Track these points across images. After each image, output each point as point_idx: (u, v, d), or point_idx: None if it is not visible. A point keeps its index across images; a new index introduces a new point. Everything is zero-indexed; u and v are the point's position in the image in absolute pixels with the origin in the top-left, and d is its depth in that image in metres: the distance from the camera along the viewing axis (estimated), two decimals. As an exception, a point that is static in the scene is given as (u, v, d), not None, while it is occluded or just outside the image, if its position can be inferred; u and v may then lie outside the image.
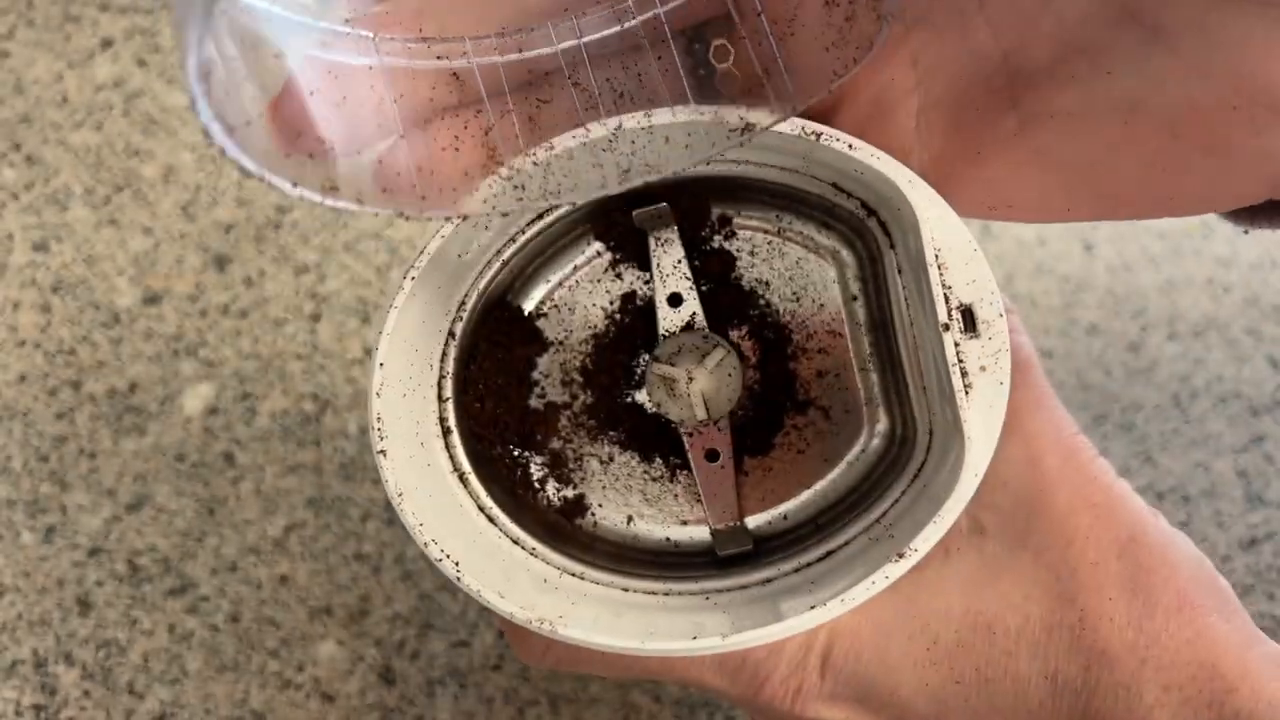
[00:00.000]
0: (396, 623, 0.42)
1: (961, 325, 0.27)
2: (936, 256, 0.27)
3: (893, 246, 0.30)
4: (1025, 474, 0.29)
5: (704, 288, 0.32)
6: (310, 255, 0.48)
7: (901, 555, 0.26)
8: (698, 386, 0.31)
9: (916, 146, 0.29)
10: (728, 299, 0.32)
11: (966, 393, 0.27)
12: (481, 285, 0.32)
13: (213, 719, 0.40)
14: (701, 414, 0.31)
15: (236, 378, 0.46)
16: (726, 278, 0.33)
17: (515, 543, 0.30)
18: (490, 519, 0.31)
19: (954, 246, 0.27)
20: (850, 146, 0.28)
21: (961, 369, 0.27)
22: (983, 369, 0.27)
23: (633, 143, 0.28)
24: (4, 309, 0.47)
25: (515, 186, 0.26)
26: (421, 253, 0.29)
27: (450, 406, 0.31)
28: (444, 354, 0.31)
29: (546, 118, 0.27)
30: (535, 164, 0.27)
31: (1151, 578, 0.28)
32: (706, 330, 0.32)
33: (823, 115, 0.29)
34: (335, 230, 0.49)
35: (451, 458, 0.31)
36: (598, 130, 0.28)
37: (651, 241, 0.32)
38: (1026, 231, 0.49)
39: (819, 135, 0.28)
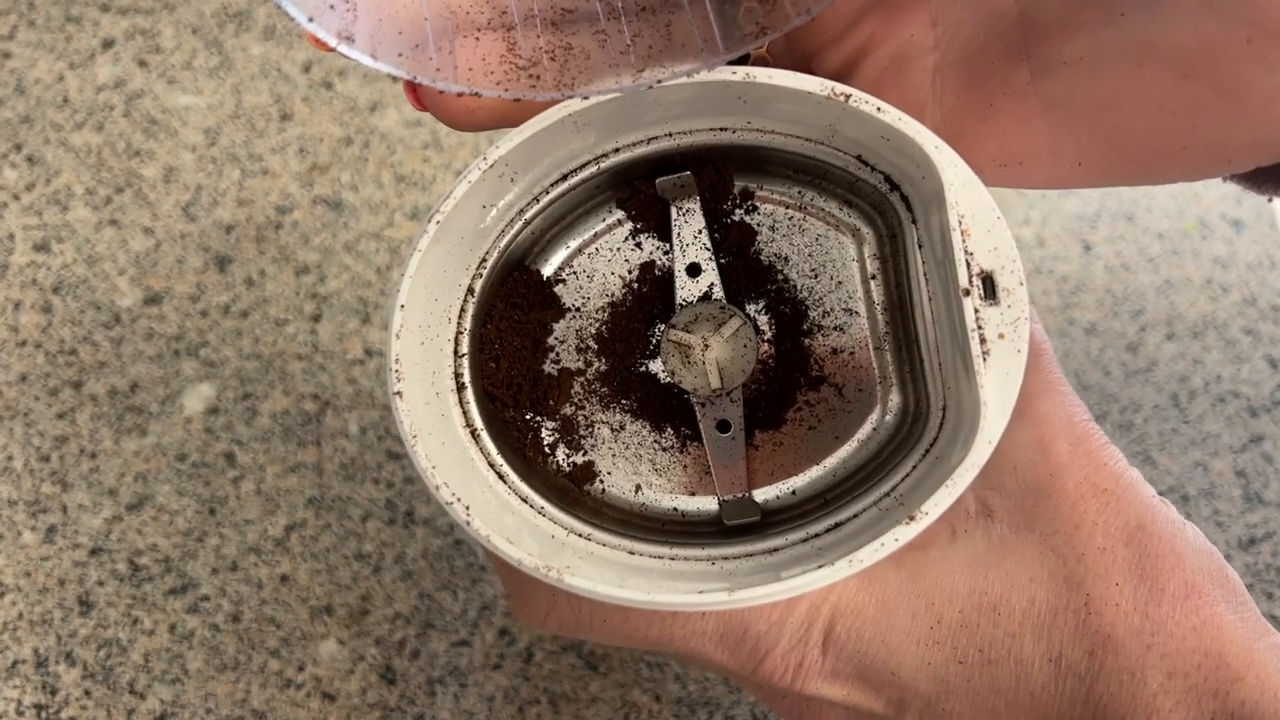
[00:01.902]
0: (397, 622, 0.42)
1: (982, 292, 0.27)
2: (960, 222, 0.27)
3: (914, 221, 0.30)
4: (1035, 458, 0.29)
5: (723, 260, 0.33)
6: (311, 255, 0.48)
7: (913, 518, 0.26)
8: (713, 354, 0.31)
9: (931, 104, 0.29)
10: (746, 272, 0.33)
11: (985, 359, 0.26)
12: (503, 244, 0.32)
13: (214, 718, 0.40)
14: (715, 382, 0.31)
15: (237, 378, 0.46)
16: (746, 251, 0.33)
17: (524, 500, 0.30)
18: (500, 475, 0.31)
19: (977, 213, 0.27)
20: (879, 109, 0.28)
21: (980, 335, 0.26)
22: (1001, 336, 0.27)
23: (649, 47, 0.28)
24: (5, 309, 0.47)
25: (530, 76, 0.26)
26: (447, 197, 0.29)
27: (465, 363, 0.31)
28: (462, 309, 0.31)
29: (569, 29, 0.27)
30: (552, 59, 0.27)
31: (1159, 565, 0.28)
32: (724, 301, 0.32)
33: (843, 72, 0.29)
34: (336, 231, 0.49)
35: (465, 413, 0.31)
36: (617, 34, 0.28)
37: (673, 211, 0.33)
38: (1026, 232, 0.49)
39: (848, 97, 0.28)
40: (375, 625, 0.42)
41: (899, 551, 0.29)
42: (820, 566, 0.26)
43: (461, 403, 0.31)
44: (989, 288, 0.27)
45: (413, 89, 0.29)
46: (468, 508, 0.28)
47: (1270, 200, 0.29)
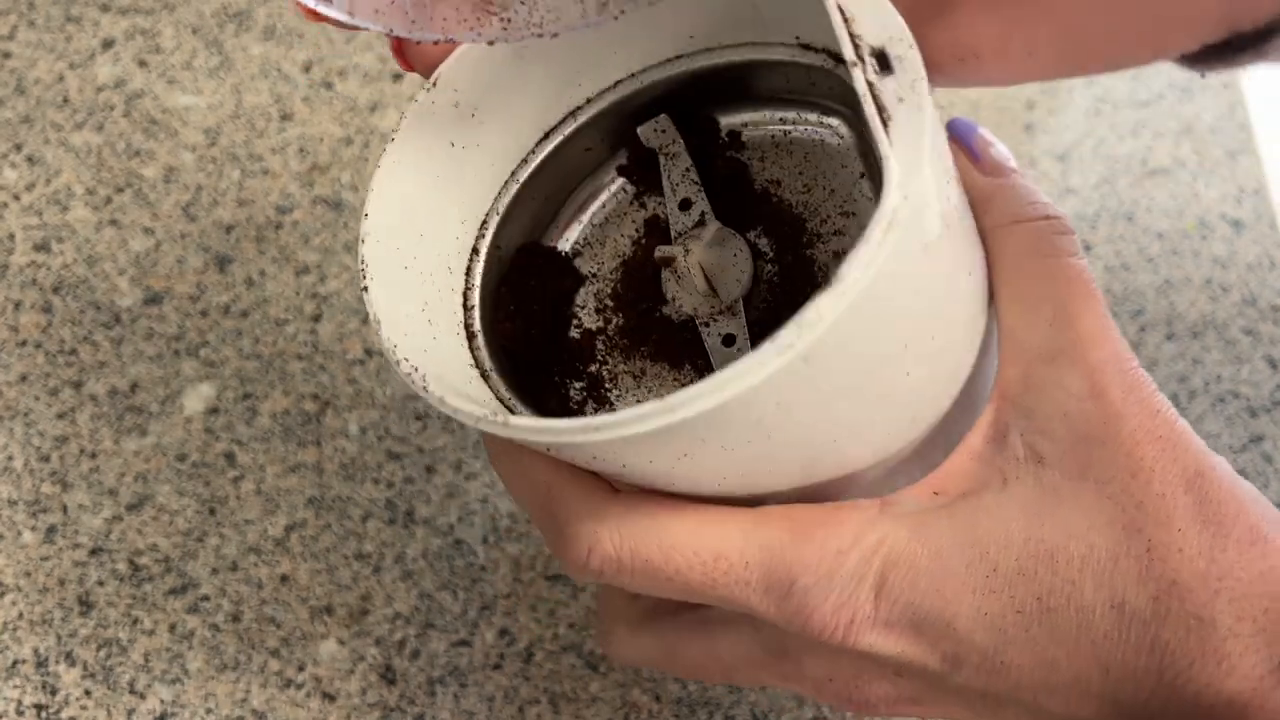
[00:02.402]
0: (397, 622, 0.42)
1: (876, 66, 0.26)
2: (841, 10, 0.27)
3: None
4: (1088, 405, 0.28)
5: (718, 196, 0.33)
6: (311, 255, 0.48)
7: (830, 284, 0.24)
8: (694, 259, 0.31)
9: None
10: (741, 202, 0.33)
11: (885, 124, 0.25)
12: (503, 207, 0.33)
13: (214, 718, 0.40)
14: (703, 287, 0.31)
15: (237, 378, 0.46)
16: (738, 183, 0.33)
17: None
18: (509, 408, 0.31)
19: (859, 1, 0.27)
20: None
21: (879, 103, 0.26)
22: (900, 100, 0.26)
23: None
24: (5, 309, 0.47)
25: (502, 20, 0.27)
26: (401, 117, 0.30)
27: (475, 314, 0.32)
28: (469, 267, 0.32)
29: None
30: (522, 2, 0.28)
31: (1221, 511, 0.27)
32: (717, 223, 0.32)
33: None
34: (336, 231, 0.49)
35: (475, 357, 0.31)
36: None
37: (661, 159, 0.33)
38: (1025, 232, 0.49)
39: None
40: (375, 625, 0.42)
41: (950, 501, 0.28)
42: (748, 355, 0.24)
43: (472, 349, 0.31)
44: (882, 61, 0.26)
45: (399, 49, 0.30)
46: (425, 376, 0.28)
47: (1204, 76, 0.29)
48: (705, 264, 0.31)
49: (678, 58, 0.33)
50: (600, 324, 0.33)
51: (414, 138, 0.31)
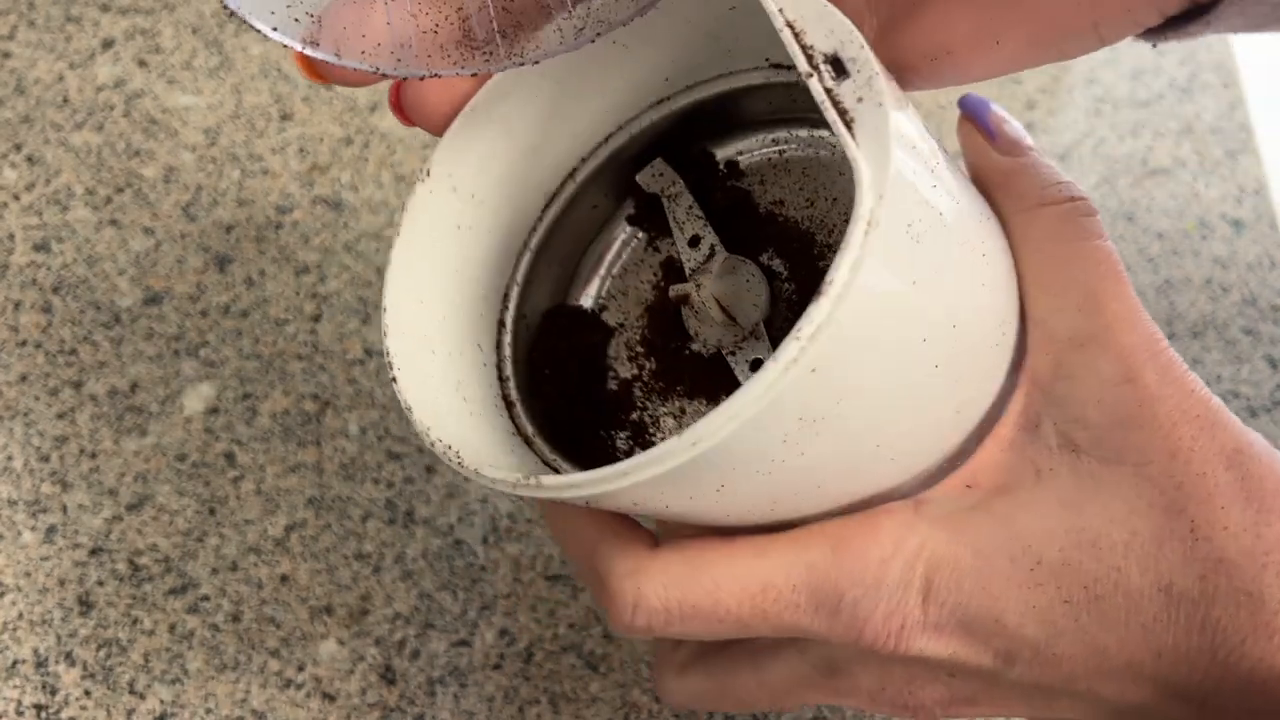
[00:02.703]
0: (397, 622, 0.42)
1: (832, 72, 0.26)
2: (790, 25, 0.27)
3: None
4: (1122, 390, 0.28)
5: (724, 227, 0.33)
6: (311, 255, 0.48)
7: (820, 293, 0.24)
8: (707, 291, 0.31)
9: (868, 15, 0.29)
10: (748, 228, 0.33)
11: (850, 127, 0.25)
12: (521, 276, 0.33)
13: (214, 718, 0.40)
14: (720, 318, 0.31)
15: (237, 378, 0.46)
16: (744, 213, 0.33)
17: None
18: (555, 469, 0.31)
19: (804, 10, 0.27)
20: None
21: (840, 108, 0.26)
22: (860, 100, 0.26)
23: (587, 9, 0.29)
24: (5, 309, 0.47)
25: (483, 54, 0.28)
26: (404, 209, 0.31)
27: (511, 384, 0.32)
28: (498, 341, 0.33)
29: (517, 6, 0.28)
30: (504, 36, 0.28)
31: (1263, 486, 0.27)
32: (725, 254, 0.33)
33: None
34: (336, 231, 0.49)
35: (515, 425, 0.32)
36: (560, 12, 0.29)
37: (665, 201, 0.34)
38: (1025, 232, 0.49)
39: None
40: (375, 625, 0.42)
41: (986, 497, 0.28)
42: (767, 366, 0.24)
43: (513, 417, 0.32)
44: (837, 67, 0.26)
45: (397, 104, 0.30)
46: (459, 452, 0.28)
47: (1154, 46, 0.29)
48: (718, 295, 0.31)
49: (659, 102, 0.33)
50: (635, 371, 0.33)
51: (419, 227, 0.31)
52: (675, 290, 0.32)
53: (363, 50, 0.27)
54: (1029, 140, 0.31)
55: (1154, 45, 0.28)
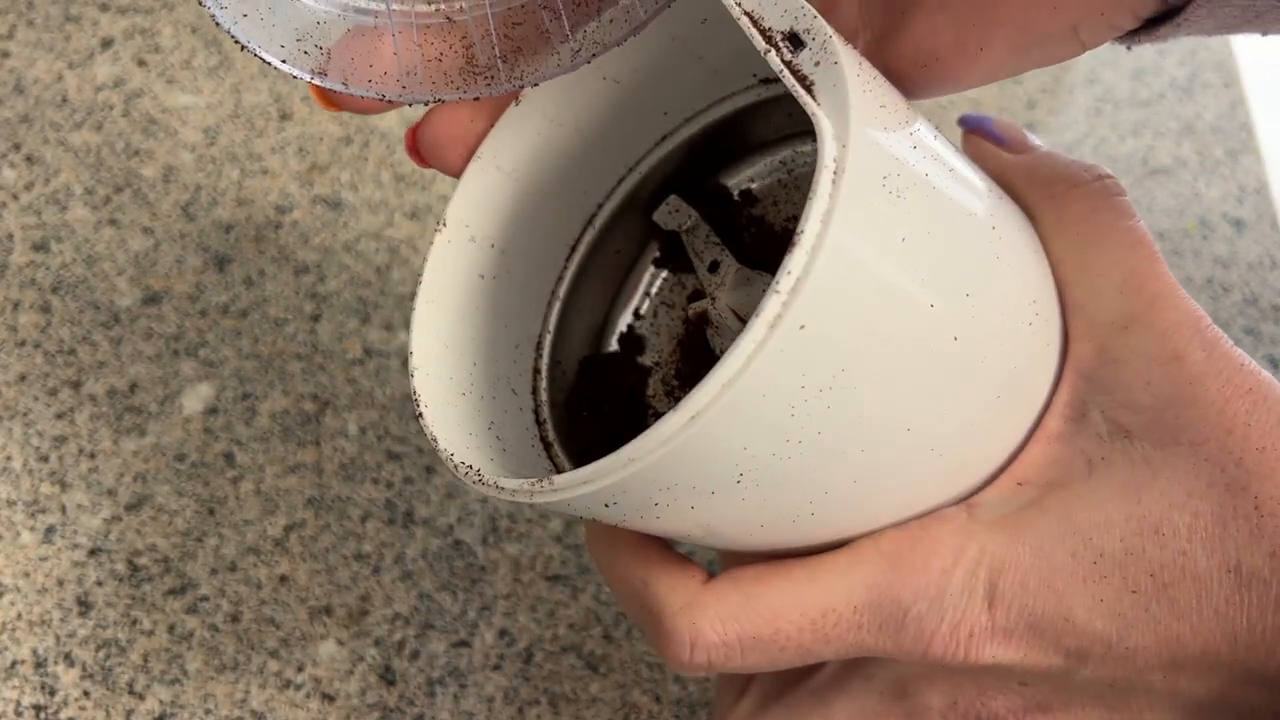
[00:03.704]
0: (396, 623, 0.42)
1: (790, 47, 0.26)
2: (749, 15, 0.27)
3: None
4: (1170, 369, 0.27)
5: (744, 252, 0.33)
6: (310, 255, 0.48)
7: (792, 244, 0.23)
8: (722, 304, 0.31)
9: (862, 29, 0.29)
10: (766, 250, 0.33)
11: (810, 91, 0.25)
12: (553, 324, 0.34)
13: (213, 719, 0.40)
14: (736, 326, 0.31)
15: (236, 378, 0.46)
16: (762, 234, 0.34)
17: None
18: None
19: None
20: None
21: (799, 75, 0.25)
22: (817, 64, 0.26)
23: (584, 32, 0.29)
24: (4, 309, 0.47)
25: (485, 78, 0.28)
26: (425, 260, 0.31)
27: (549, 427, 0.33)
28: (534, 387, 0.33)
29: (518, 33, 0.29)
30: (504, 61, 0.28)
31: None
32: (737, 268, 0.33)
33: None
34: (335, 230, 0.49)
35: (554, 463, 0.32)
36: (554, 22, 0.29)
37: (684, 237, 0.34)
38: (1026, 232, 0.49)
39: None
40: (375, 625, 0.42)
41: (1040, 494, 0.27)
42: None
43: (551, 457, 0.32)
44: (795, 41, 0.26)
45: (414, 148, 0.31)
46: (479, 470, 0.28)
47: (1129, 49, 0.28)
48: (733, 305, 0.31)
49: (664, 138, 0.34)
50: (672, 404, 0.33)
51: (441, 276, 0.31)
52: (693, 309, 0.32)
53: (369, 79, 0.28)
54: (1037, 140, 0.31)
55: (1128, 48, 0.28)
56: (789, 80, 0.25)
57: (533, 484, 0.26)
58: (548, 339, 0.34)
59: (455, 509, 0.44)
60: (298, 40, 0.28)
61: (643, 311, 0.36)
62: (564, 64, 0.28)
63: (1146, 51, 0.55)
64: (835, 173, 0.23)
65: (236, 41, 0.27)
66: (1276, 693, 0.27)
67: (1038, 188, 0.30)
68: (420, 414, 0.29)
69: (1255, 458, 0.26)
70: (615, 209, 0.34)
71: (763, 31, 0.26)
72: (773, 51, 0.26)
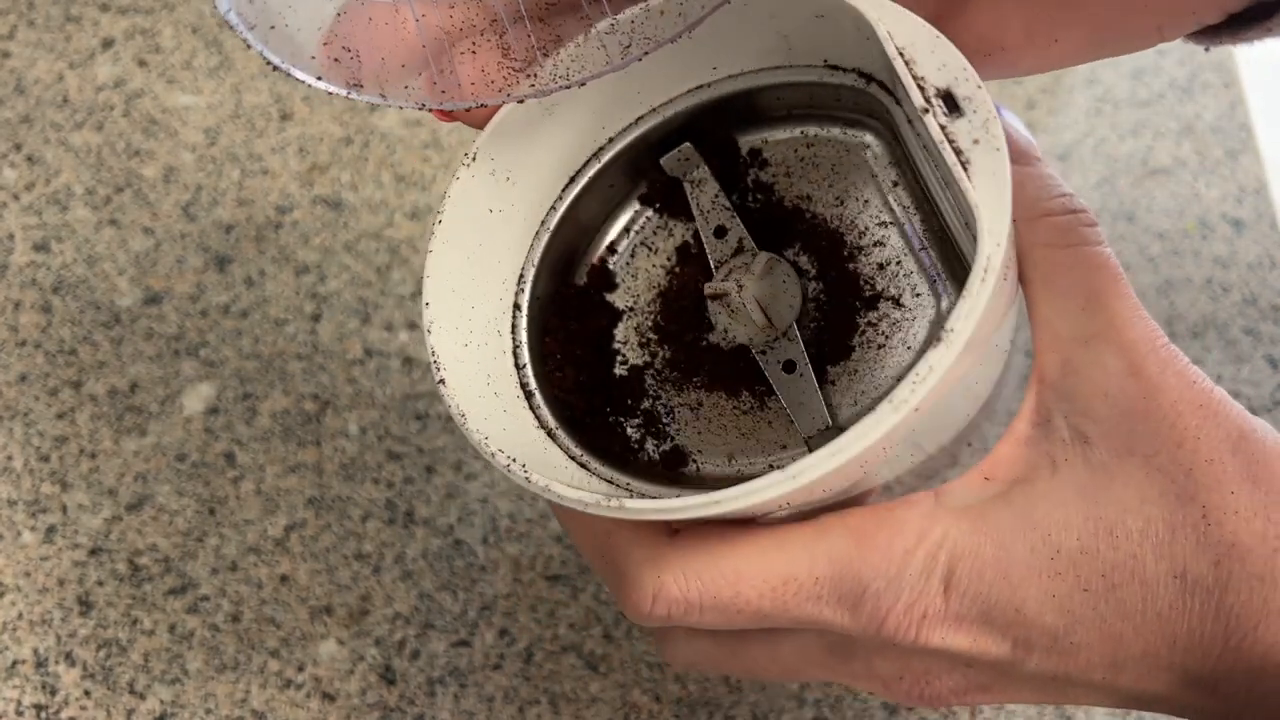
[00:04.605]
0: (397, 622, 0.42)
1: (944, 108, 0.26)
2: (901, 53, 0.27)
3: (899, 103, 0.30)
4: (1127, 382, 0.28)
5: (750, 219, 0.33)
6: (311, 255, 0.48)
7: (939, 339, 0.25)
8: (749, 293, 0.31)
9: (914, 9, 0.29)
10: (774, 222, 0.33)
11: (965, 168, 0.26)
12: (536, 259, 0.33)
13: (214, 718, 0.40)
14: (760, 319, 0.31)
15: (237, 378, 0.46)
16: (769, 203, 0.33)
17: (608, 482, 0.31)
18: (582, 465, 0.31)
19: (916, 39, 0.27)
20: None
21: (955, 148, 0.26)
22: (976, 142, 0.26)
23: (631, 23, 0.29)
24: (5, 309, 0.47)
25: (529, 76, 0.28)
26: (445, 198, 0.31)
27: (529, 372, 0.32)
28: (514, 325, 0.32)
29: (555, 21, 0.28)
30: (545, 54, 0.28)
31: (1271, 469, 0.27)
32: (755, 249, 0.32)
33: None
34: (336, 230, 0.49)
35: (537, 417, 0.32)
36: (601, 23, 0.29)
37: (687, 186, 0.33)
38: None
39: None
40: (375, 625, 0.42)
41: (1005, 489, 0.29)
42: (864, 417, 0.25)
43: (532, 408, 0.32)
44: (950, 103, 0.27)
45: (443, 113, 0.30)
46: (524, 466, 0.28)
47: (1207, 50, 0.29)
48: (760, 297, 0.31)
49: (699, 88, 0.33)
50: (646, 359, 0.33)
51: (458, 213, 0.31)
52: (713, 288, 0.32)
53: (405, 85, 0.27)
54: (1037, 151, 0.31)
55: (1206, 49, 0.28)
56: (947, 154, 0.26)
57: (598, 500, 0.27)
58: (530, 272, 0.33)
59: (455, 509, 0.44)
60: (326, 44, 0.27)
61: (619, 248, 0.34)
62: (613, 61, 0.28)
63: (1146, 52, 0.55)
64: (986, 270, 0.25)
65: (269, 63, 0.26)
66: (1212, 695, 0.28)
67: (1017, 206, 0.31)
68: (441, 380, 0.29)
69: (1204, 469, 0.27)
70: (625, 146, 0.33)
71: (917, 80, 0.27)
72: (930, 113, 0.26)
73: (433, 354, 0.29)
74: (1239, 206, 0.51)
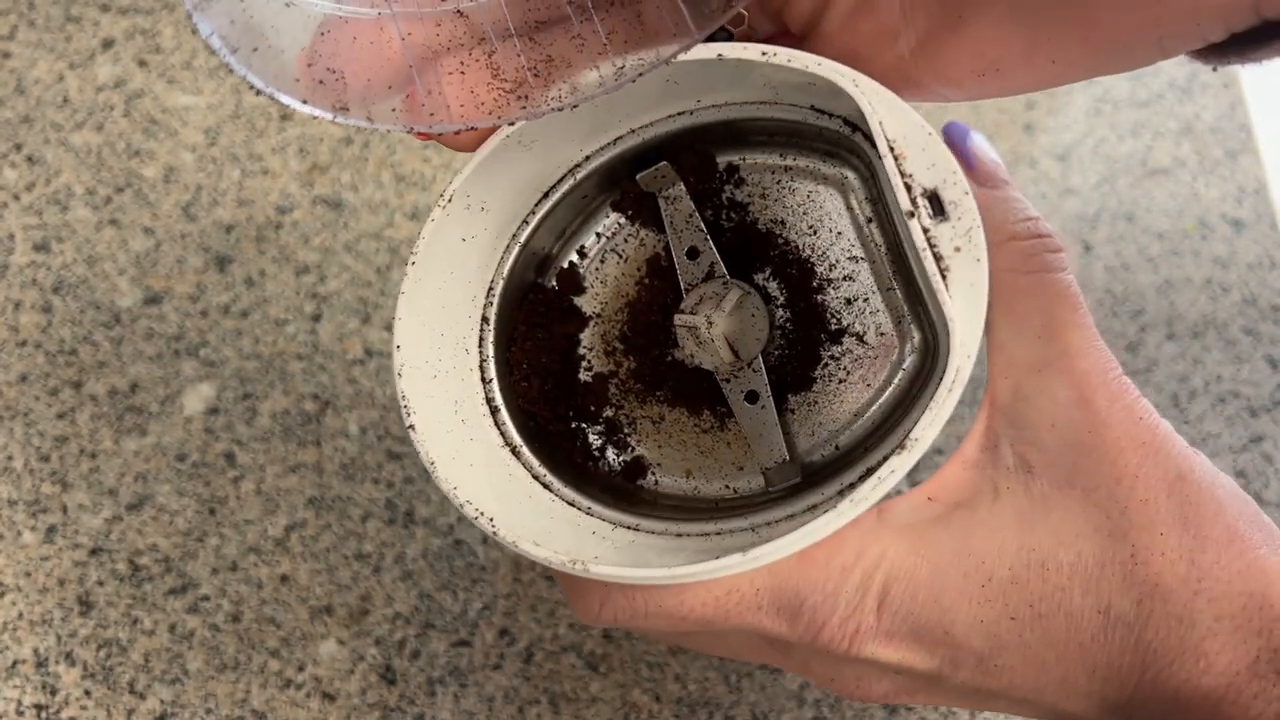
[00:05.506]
0: (397, 622, 0.42)
1: (930, 210, 0.27)
2: (892, 148, 0.27)
3: (880, 157, 0.30)
4: (1074, 414, 0.29)
5: (722, 239, 0.33)
6: (311, 255, 0.48)
7: (903, 446, 0.26)
8: (718, 330, 0.32)
9: (904, 28, 0.29)
10: (746, 245, 0.33)
11: (944, 276, 0.26)
12: (506, 270, 0.33)
13: (214, 718, 0.40)
14: (728, 356, 0.32)
15: (237, 378, 0.46)
16: (742, 225, 0.33)
17: (570, 504, 0.31)
18: (545, 485, 0.31)
19: (908, 134, 0.27)
20: (789, 60, 0.28)
21: (935, 254, 0.26)
22: (957, 250, 0.26)
23: (625, 38, 0.29)
24: (5, 309, 0.47)
25: (519, 97, 0.27)
26: (419, 238, 0.31)
27: (495, 387, 0.32)
28: (481, 339, 0.33)
29: (545, 40, 0.28)
30: (535, 74, 0.28)
31: (1201, 513, 0.28)
32: (727, 277, 0.32)
33: (815, 12, 0.30)
34: (336, 231, 0.49)
35: (502, 434, 0.32)
36: (592, 34, 0.29)
37: (661, 202, 0.33)
38: (1025, 232, 0.49)
39: (765, 54, 0.28)
40: (375, 625, 0.42)
41: (946, 511, 0.29)
42: (826, 512, 0.26)
43: (497, 424, 0.32)
44: (935, 205, 0.27)
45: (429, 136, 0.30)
46: (492, 519, 0.28)
47: (1215, 70, 0.29)
48: (728, 333, 0.32)
49: (681, 114, 0.33)
50: (611, 367, 0.33)
51: (431, 251, 0.31)
52: (683, 320, 0.32)
53: (393, 108, 0.27)
54: (1005, 174, 0.32)
55: (1214, 69, 0.28)
56: (927, 261, 0.26)
57: (565, 561, 0.28)
58: (499, 284, 0.33)
59: (456, 509, 0.44)
60: (309, 65, 0.26)
61: (589, 251, 0.34)
62: (606, 83, 0.27)
63: (1146, 52, 0.55)
64: (954, 383, 0.26)
65: (253, 88, 0.26)
66: None
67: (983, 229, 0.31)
68: (411, 425, 0.29)
69: (1138, 509, 0.28)
70: (601, 164, 0.33)
71: (904, 177, 0.27)
72: (915, 217, 0.26)
73: (403, 398, 0.30)
74: (1238, 207, 0.51)
